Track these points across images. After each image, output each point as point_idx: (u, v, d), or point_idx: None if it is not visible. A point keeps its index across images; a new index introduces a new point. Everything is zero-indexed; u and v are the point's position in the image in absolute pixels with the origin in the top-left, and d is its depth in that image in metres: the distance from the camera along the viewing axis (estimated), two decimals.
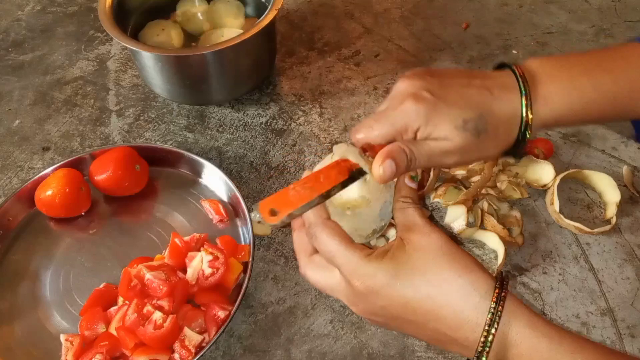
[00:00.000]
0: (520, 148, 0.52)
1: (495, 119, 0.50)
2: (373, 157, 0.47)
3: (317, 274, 0.48)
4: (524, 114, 0.50)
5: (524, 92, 0.50)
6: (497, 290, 0.42)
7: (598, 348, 0.42)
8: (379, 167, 0.46)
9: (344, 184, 0.46)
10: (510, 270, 0.70)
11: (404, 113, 0.48)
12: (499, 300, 0.41)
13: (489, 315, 0.41)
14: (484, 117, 0.49)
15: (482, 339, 0.41)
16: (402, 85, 0.50)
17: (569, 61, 0.54)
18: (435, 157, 0.49)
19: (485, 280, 0.42)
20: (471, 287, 0.42)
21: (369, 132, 0.49)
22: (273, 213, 0.43)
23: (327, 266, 0.48)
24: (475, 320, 0.41)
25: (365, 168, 0.47)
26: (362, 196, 0.47)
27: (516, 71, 0.51)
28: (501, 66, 0.55)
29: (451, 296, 0.42)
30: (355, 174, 0.47)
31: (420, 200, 0.50)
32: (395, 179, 0.49)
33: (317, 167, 0.50)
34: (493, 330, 0.41)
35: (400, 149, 0.47)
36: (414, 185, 0.48)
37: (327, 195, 0.45)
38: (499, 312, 0.41)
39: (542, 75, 0.52)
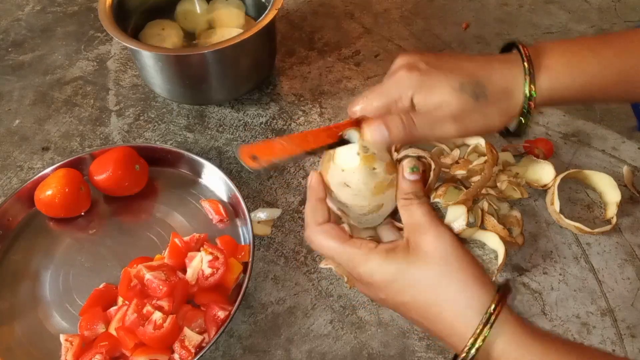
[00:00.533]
0: (525, 123, 0.52)
1: (495, 86, 0.50)
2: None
3: (326, 241, 0.47)
4: (526, 84, 0.50)
5: (525, 62, 0.50)
6: (489, 310, 0.41)
7: (582, 358, 0.42)
8: (368, 129, 0.46)
9: (331, 146, 0.46)
10: (512, 276, 0.70)
11: (397, 82, 0.49)
12: (488, 322, 0.41)
13: (477, 331, 0.41)
14: (481, 83, 0.49)
15: (464, 355, 0.42)
16: (399, 61, 0.51)
17: (573, 41, 0.54)
18: (437, 125, 0.48)
19: (480, 298, 0.42)
20: (465, 305, 0.42)
21: (364, 103, 0.49)
22: (254, 158, 0.44)
23: (337, 238, 0.47)
24: (464, 334, 0.42)
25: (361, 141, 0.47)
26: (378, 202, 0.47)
27: (519, 46, 0.52)
28: (506, 49, 0.55)
29: (445, 308, 0.43)
30: (344, 140, 0.46)
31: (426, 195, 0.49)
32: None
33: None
34: (477, 344, 0.41)
35: (394, 116, 0.47)
36: (414, 178, 0.47)
37: (313, 152, 0.46)
38: (487, 330, 0.41)
39: (546, 49, 0.52)
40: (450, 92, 0.48)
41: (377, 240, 0.50)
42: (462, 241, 0.46)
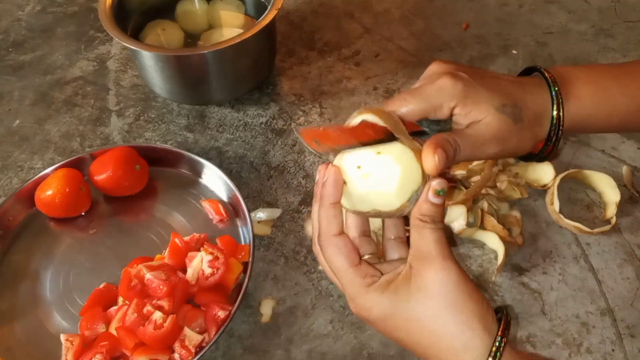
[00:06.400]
0: (552, 147, 0.52)
1: (529, 111, 0.49)
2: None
3: (338, 258, 0.45)
4: (555, 111, 0.50)
5: (553, 90, 0.50)
6: (491, 354, 0.40)
7: None
8: (434, 157, 0.42)
9: (380, 142, 0.44)
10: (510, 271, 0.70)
11: (440, 89, 0.46)
12: None
13: None
14: (518, 106, 0.48)
15: None
16: (437, 66, 0.49)
17: (596, 68, 0.55)
18: (478, 146, 0.47)
19: (481, 341, 0.40)
20: (463, 349, 0.40)
21: (402, 105, 0.46)
22: (316, 142, 0.43)
23: (350, 257, 0.45)
24: None
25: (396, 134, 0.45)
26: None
27: (545, 73, 0.51)
28: (527, 72, 0.55)
29: (441, 352, 0.41)
30: (390, 137, 0.45)
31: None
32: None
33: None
34: None
35: (444, 139, 0.44)
36: (438, 201, 0.42)
37: (366, 144, 0.44)
38: None
39: (572, 77, 0.52)
40: (492, 112, 0.46)
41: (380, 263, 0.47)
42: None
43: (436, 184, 0.42)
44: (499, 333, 0.40)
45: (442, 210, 0.43)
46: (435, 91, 0.47)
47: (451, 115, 0.47)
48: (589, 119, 0.52)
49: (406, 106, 0.46)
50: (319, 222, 0.45)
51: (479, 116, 0.47)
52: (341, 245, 0.44)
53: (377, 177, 0.43)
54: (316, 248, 0.47)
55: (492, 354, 0.39)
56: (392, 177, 0.43)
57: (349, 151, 0.45)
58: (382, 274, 0.44)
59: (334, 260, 0.44)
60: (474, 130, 0.47)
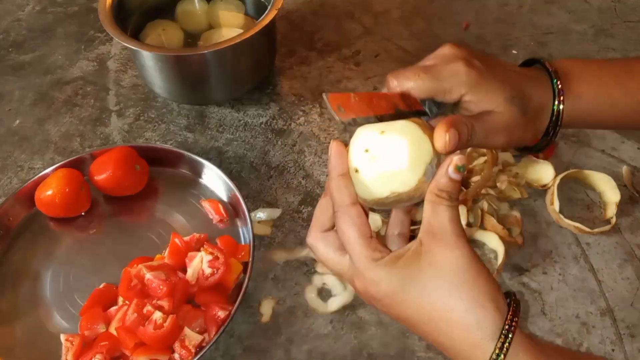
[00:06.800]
0: (548, 142, 0.52)
1: (533, 103, 0.50)
2: (405, 108, 0.45)
3: (328, 252, 0.46)
4: (555, 106, 0.50)
5: (555, 86, 0.50)
6: (502, 338, 0.39)
7: None
8: (445, 135, 0.42)
9: (392, 117, 0.44)
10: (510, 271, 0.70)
11: (454, 73, 0.47)
12: (503, 347, 0.39)
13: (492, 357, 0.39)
14: (525, 98, 0.49)
15: None
16: (450, 49, 0.49)
17: (596, 64, 0.55)
18: (490, 134, 0.47)
19: (493, 320, 0.39)
20: (476, 326, 0.40)
21: (415, 79, 0.46)
22: (340, 109, 0.43)
23: (340, 248, 0.46)
24: (474, 356, 0.40)
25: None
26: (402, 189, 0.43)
27: (548, 67, 0.52)
28: (528, 63, 0.55)
29: (453, 328, 0.40)
30: (398, 113, 0.44)
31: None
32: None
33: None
34: None
35: (462, 121, 0.44)
36: (457, 177, 0.42)
37: (380, 119, 0.43)
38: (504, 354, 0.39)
39: (573, 73, 0.52)
40: (503, 102, 0.47)
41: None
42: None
43: (458, 159, 0.42)
44: (510, 314, 0.40)
45: (460, 186, 0.43)
46: (449, 74, 0.47)
47: (457, 101, 0.48)
48: (587, 115, 0.53)
49: (418, 81, 0.46)
50: (331, 196, 0.45)
51: (489, 106, 0.47)
52: (354, 215, 0.43)
53: (387, 156, 0.43)
54: (310, 240, 0.48)
55: (504, 332, 0.39)
56: (402, 152, 0.43)
57: (356, 134, 0.45)
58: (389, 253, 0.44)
59: (347, 230, 0.43)
60: (489, 118, 0.47)
